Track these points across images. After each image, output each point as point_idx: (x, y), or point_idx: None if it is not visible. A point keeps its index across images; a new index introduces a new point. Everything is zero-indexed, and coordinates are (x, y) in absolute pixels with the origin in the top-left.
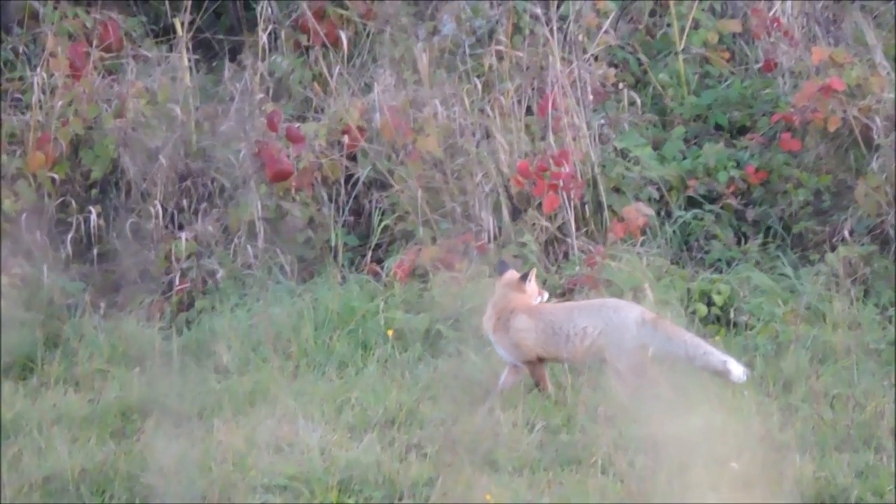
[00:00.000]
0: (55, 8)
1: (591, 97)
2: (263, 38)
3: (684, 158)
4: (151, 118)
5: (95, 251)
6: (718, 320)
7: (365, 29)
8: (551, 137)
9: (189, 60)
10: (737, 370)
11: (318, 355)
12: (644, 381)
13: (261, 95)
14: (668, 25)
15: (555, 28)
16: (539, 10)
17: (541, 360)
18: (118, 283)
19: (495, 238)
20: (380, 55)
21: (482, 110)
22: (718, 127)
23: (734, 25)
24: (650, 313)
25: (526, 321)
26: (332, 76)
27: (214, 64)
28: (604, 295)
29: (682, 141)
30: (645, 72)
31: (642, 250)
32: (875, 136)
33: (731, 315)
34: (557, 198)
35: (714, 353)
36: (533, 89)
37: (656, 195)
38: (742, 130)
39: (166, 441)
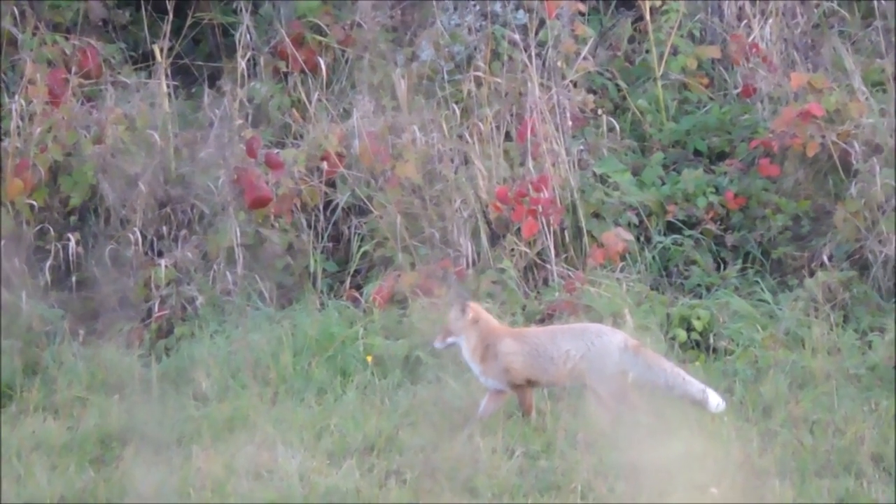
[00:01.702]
0: (34, 35)
1: (569, 123)
2: (242, 64)
3: (663, 184)
4: (130, 144)
5: (74, 278)
6: (698, 346)
7: (343, 55)
8: (530, 163)
9: (168, 87)
10: (714, 400)
11: (297, 382)
12: (625, 407)
13: (240, 122)
14: (647, 51)
15: (533, 54)
16: (517, 37)
17: (529, 383)
18: (97, 311)
19: (474, 264)
20: (358, 81)
21: (461, 136)
22: (697, 153)
23: (713, 51)
24: (633, 340)
25: (512, 344)
26: (310, 102)
27: (193, 90)
28: (583, 321)
29: (661, 167)
30: (624, 98)
31: (622, 276)
32: (854, 162)
33: (711, 340)
34: (536, 223)
35: (693, 383)
36: (511, 115)
37: (636, 221)
38: (721, 156)
39: (145, 468)
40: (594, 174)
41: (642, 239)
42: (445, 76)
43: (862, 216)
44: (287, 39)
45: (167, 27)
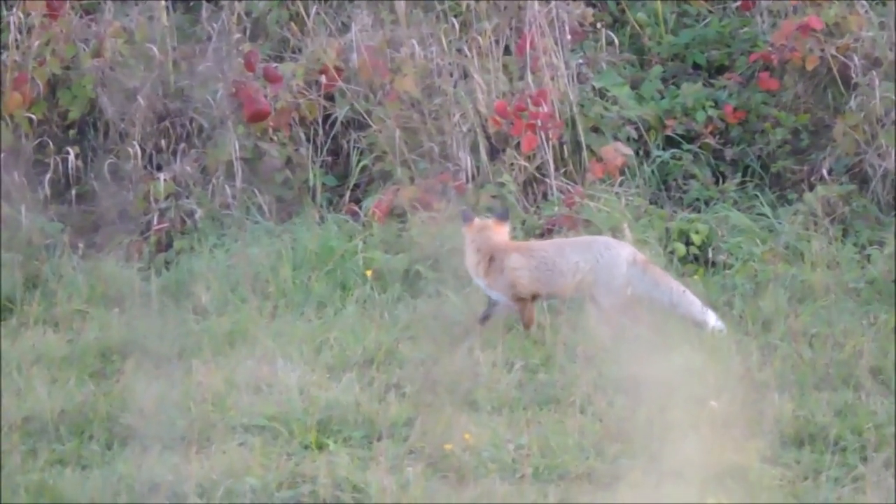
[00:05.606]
0: None
1: (568, 37)
2: None
3: (662, 98)
4: (129, 58)
5: (74, 192)
6: (697, 260)
7: None
8: (529, 77)
9: (166, 0)
10: (713, 322)
11: (297, 296)
12: (626, 320)
13: (238, 35)
14: None
15: None
16: None
17: (534, 297)
18: (97, 224)
19: (473, 178)
20: None
21: (460, 50)
22: (696, 66)
23: None
24: (641, 255)
25: (519, 259)
26: (309, 16)
27: (192, 3)
28: (583, 235)
29: (660, 80)
30: (623, 11)
31: (620, 190)
32: (853, 75)
33: (710, 254)
34: (535, 138)
35: (696, 304)
36: (511, 29)
37: (634, 135)
38: (720, 70)
39: (146, 381)
40: (593, 88)
41: (641, 153)
42: None
43: (861, 130)
44: None
45: None
